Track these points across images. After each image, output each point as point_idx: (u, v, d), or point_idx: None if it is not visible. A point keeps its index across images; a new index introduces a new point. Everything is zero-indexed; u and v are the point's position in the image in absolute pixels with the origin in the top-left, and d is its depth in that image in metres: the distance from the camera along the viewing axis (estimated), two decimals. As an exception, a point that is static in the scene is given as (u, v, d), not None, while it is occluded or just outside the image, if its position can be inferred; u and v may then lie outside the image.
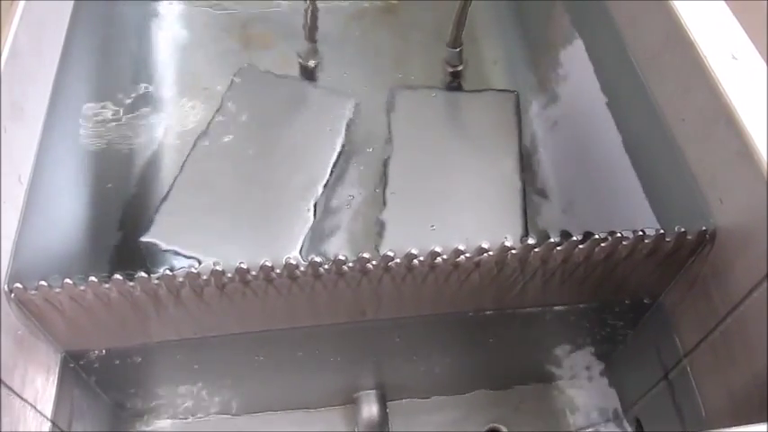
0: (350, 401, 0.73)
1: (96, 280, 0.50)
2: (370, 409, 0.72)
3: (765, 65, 0.53)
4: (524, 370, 0.73)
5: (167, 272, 0.50)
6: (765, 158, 0.47)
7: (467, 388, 0.75)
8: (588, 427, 0.73)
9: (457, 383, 0.74)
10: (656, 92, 0.60)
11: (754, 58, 0.54)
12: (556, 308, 0.62)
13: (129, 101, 0.73)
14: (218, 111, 0.72)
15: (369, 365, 0.69)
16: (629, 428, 0.70)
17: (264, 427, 0.72)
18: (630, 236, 0.52)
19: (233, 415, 0.72)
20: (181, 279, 0.51)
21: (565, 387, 0.74)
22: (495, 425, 0.73)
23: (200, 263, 0.57)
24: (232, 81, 0.76)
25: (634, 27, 0.65)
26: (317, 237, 0.63)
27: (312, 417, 0.73)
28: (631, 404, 0.70)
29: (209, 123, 0.71)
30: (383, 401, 0.73)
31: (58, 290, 0.50)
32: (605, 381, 0.73)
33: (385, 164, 0.69)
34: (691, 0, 0.58)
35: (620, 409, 0.72)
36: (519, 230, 0.65)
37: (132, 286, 0.50)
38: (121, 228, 0.66)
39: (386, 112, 0.74)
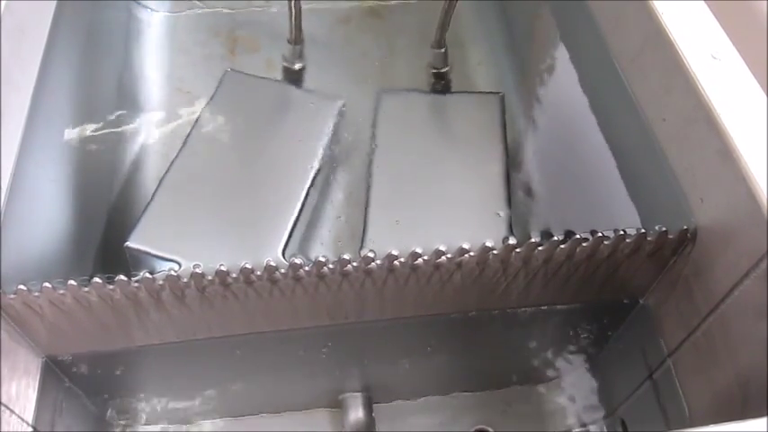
0: (336, 404, 0.73)
1: (76, 284, 0.49)
2: (356, 412, 0.72)
3: (745, 65, 0.54)
4: (510, 371, 0.73)
5: (147, 275, 0.50)
6: (745, 157, 0.47)
7: (453, 390, 0.75)
8: (574, 428, 0.73)
9: (443, 385, 0.74)
10: (638, 92, 0.61)
11: (734, 59, 0.54)
12: (540, 308, 0.62)
13: (112, 105, 0.72)
14: (202, 115, 0.72)
15: (354, 368, 0.69)
16: (615, 429, 0.70)
17: (249, 431, 0.72)
18: (612, 235, 0.52)
19: (217, 419, 0.72)
20: (161, 282, 0.50)
21: (551, 388, 0.74)
22: (482, 426, 0.73)
23: (180, 266, 0.57)
24: (217, 85, 0.75)
25: (616, 28, 0.65)
26: (300, 240, 0.63)
27: (298, 420, 0.73)
28: (617, 405, 0.69)
29: (194, 127, 0.71)
30: (369, 404, 0.72)
31: (37, 294, 0.50)
32: (591, 382, 0.73)
33: (370, 166, 0.69)
34: (671, 0, 0.58)
35: (605, 410, 0.72)
36: (504, 231, 0.65)
37: (112, 289, 0.50)
38: (105, 232, 0.66)
39: (371, 115, 0.74)
